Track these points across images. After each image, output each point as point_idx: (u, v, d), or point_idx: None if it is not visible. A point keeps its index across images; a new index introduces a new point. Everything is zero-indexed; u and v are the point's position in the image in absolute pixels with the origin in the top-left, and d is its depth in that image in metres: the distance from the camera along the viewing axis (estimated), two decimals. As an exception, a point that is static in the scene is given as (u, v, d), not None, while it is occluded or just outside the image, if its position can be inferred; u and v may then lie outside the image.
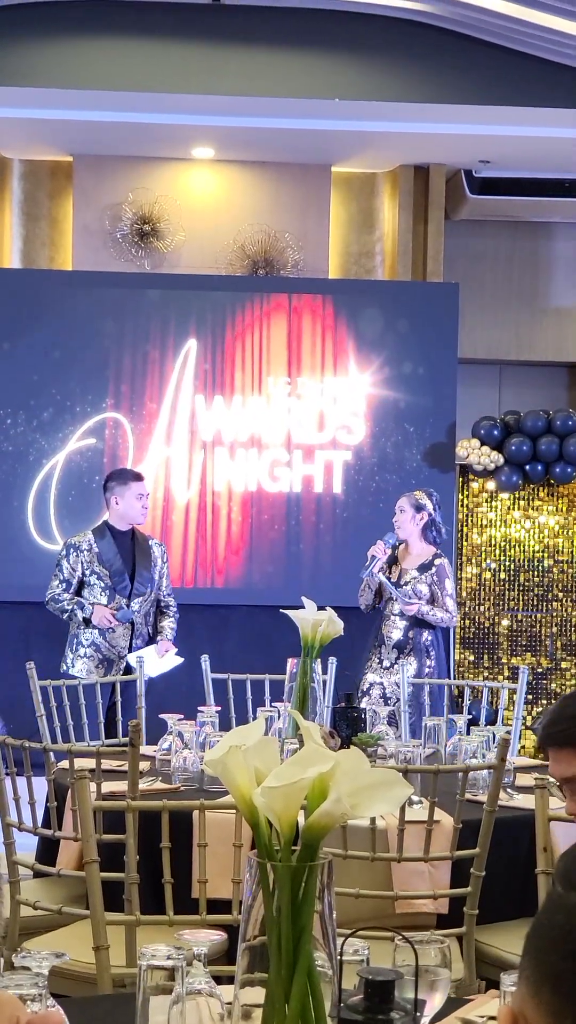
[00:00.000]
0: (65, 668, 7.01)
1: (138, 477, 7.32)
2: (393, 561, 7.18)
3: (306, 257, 10.14)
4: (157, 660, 7.00)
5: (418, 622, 7.04)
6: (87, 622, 6.98)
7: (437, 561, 7.11)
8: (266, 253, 10.10)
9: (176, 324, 9.55)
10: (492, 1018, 2.52)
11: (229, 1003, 2.22)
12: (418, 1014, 1.91)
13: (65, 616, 7.05)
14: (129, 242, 10.02)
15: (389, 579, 7.10)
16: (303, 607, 5.00)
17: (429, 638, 7.08)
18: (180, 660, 7.10)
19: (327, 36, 8.83)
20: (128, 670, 6.88)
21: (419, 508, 7.16)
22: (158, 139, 9.66)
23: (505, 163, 10.01)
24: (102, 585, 7.02)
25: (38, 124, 9.36)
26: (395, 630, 7.07)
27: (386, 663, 7.10)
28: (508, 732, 4.03)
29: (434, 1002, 2.36)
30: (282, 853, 2.04)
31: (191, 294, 9.58)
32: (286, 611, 5.05)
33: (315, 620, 4.93)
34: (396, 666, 6.96)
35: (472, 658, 9.62)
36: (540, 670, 9.46)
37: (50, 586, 7.07)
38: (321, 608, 5.00)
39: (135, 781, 3.85)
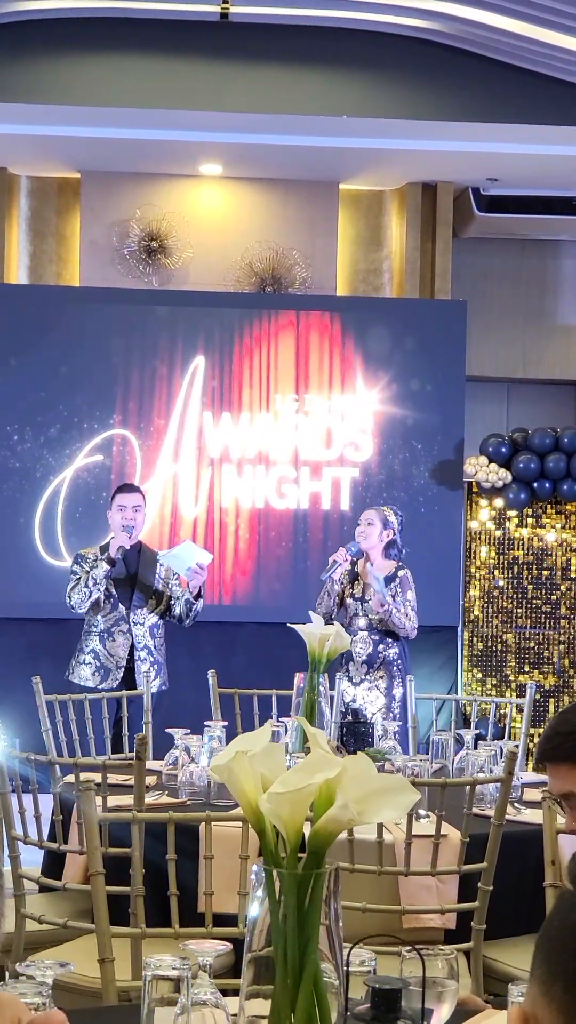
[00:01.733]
0: (67, 675, 7.06)
1: (125, 488, 7.38)
2: (354, 577, 7.18)
3: (314, 274, 10.15)
4: (189, 550, 7.07)
5: (383, 636, 7.05)
6: (110, 562, 6.96)
7: (401, 572, 7.13)
8: (274, 270, 10.11)
9: (184, 341, 9.55)
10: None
11: (235, 1015, 2.20)
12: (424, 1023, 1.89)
13: (93, 592, 6.98)
14: (137, 259, 10.03)
15: (353, 595, 7.10)
16: (310, 623, 4.99)
17: (396, 651, 7.09)
18: (208, 556, 7.16)
19: (335, 53, 8.85)
20: (128, 680, 6.91)
21: (386, 524, 7.18)
22: (166, 156, 9.67)
23: (513, 181, 10.01)
24: (105, 595, 7.05)
25: (46, 141, 9.38)
26: (361, 644, 7.06)
27: (356, 679, 7.09)
28: (516, 746, 4.00)
29: (441, 1013, 2.34)
30: (288, 860, 2.03)
31: (199, 311, 9.58)
32: (293, 626, 5.04)
33: (322, 635, 4.92)
34: (366, 681, 6.98)
35: (479, 675, 9.59)
36: (548, 687, 9.43)
37: (67, 595, 7.08)
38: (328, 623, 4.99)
39: (141, 794, 3.84)
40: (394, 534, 7.19)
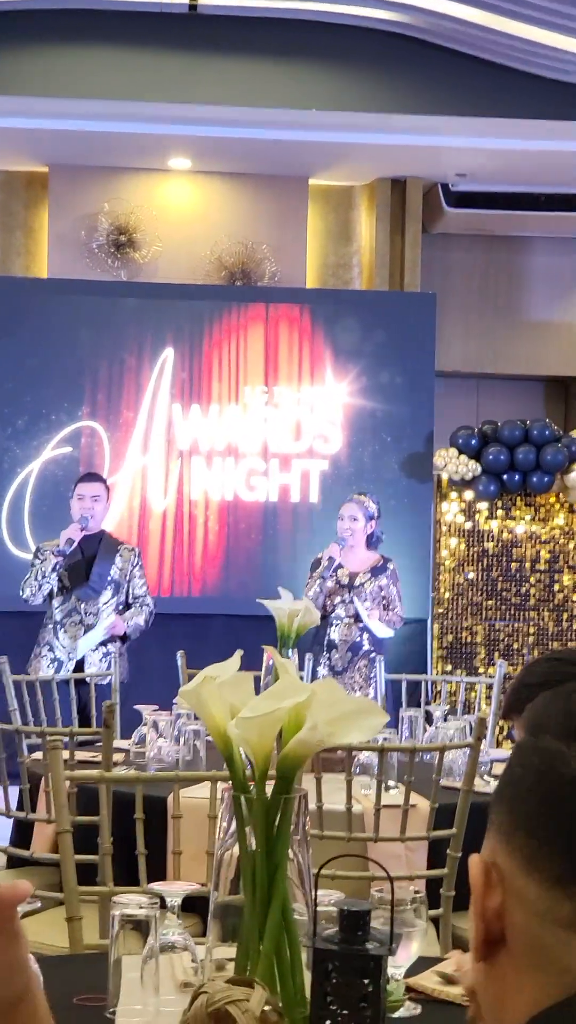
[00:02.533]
0: (27, 668, 6.99)
1: (86, 478, 7.31)
2: (338, 567, 7.16)
3: (283, 269, 10.15)
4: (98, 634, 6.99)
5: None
6: (59, 555, 6.89)
7: (390, 564, 7.13)
8: (243, 265, 10.11)
9: (153, 333, 9.52)
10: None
11: (203, 960, 2.18)
12: (393, 945, 1.88)
13: (43, 584, 6.92)
14: (105, 252, 10.02)
15: (339, 582, 7.09)
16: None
17: (378, 639, 7.11)
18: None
19: (304, 46, 8.85)
20: (80, 669, 6.86)
21: (369, 515, 7.16)
22: (134, 149, 9.66)
23: (481, 176, 10.03)
24: (59, 587, 6.98)
25: (13, 133, 9.35)
26: (344, 629, 7.05)
27: (339, 667, 7.07)
28: (485, 713, 4.00)
29: (410, 951, 2.33)
30: (256, 786, 2.01)
31: (168, 303, 9.56)
32: (262, 601, 5.03)
33: (291, 610, 4.92)
34: (351, 668, 6.97)
35: (449, 668, 9.59)
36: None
37: (22, 585, 7.02)
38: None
39: (109, 757, 3.81)
40: (375, 524, 7.19)
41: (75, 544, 6.92)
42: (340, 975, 1.88)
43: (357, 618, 7.05)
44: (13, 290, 9.60)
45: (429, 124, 9.05)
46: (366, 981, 1.86)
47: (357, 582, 7.06)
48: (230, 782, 2.09)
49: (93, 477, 7.36)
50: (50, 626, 7.03)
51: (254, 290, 9.88)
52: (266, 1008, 1.90)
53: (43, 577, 6.91)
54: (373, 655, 7.02)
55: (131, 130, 9.29)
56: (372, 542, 7.19)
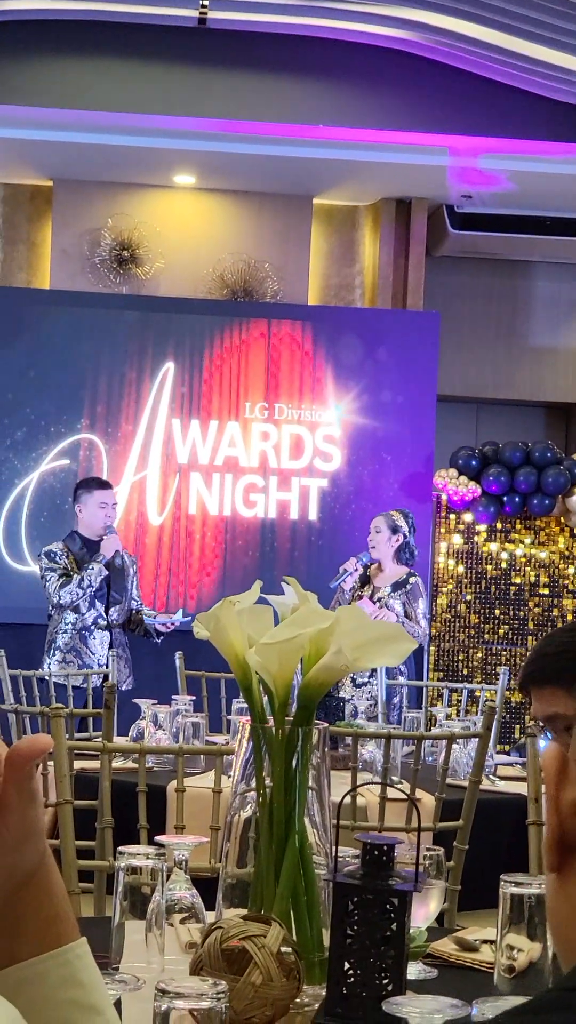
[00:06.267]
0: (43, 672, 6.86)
1: (103, 485, 7.22)
2: (365, 581, 7.12)
3: (285, 288, 10.10)
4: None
5: None
6: (108, 566, 6.85)
7: (412, 580, 7.07)
8: (245, 283, 10.06)
9: (154, 346, 9.47)
10: (486, 940, 2.40)
11: (211, 924, 2.08)
12: (418, 883, 1.79)
13: (85, 592, 6.81)
14: (108, 267, 9.97)
15: (361, 598, 7.03)
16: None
17: None
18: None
19: (312, 63, 8.82)
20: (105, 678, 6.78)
21: (395, 530, 7.13)
22: (139, 165, 9.63)
23: (487, 198, 10.00)
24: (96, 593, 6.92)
25: (19, 145, 9.31)
26: None
27: (359, 680, 6.99)
28: (493, 702, 3.92)
29: (428, 910, 2.24)
30: (276, 717, 1.93)
31: (169, 317, 9.51)
32: (266, 596, 4.93)
33: (295, 606, 4.81)
34: (370, 683, 6.86)
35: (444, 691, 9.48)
36: (514, 703, 9.33)
37: (51, 592, 6.85)
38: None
39: (110, 730, 3.73)
40: (404, 538, 7.14)
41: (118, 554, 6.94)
42: (362, 912, 1.79)
43: None
44: (14, 301, 9.55)
45: (436, 143, 9.02)
46: (391, 918, 1.77)
47: (376, 597, 6.99)
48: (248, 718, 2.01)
49: (109, 484, 7.29)
50: (70, 632, 6.87)
51: (256, 306, 9.83)
52: (283, 949, 1.81)
53: (89, 586, 6.81)
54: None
55: (137, 143, 9.25)
56: (402, 557, 7.13)
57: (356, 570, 7.05)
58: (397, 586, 7.03)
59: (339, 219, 10.37)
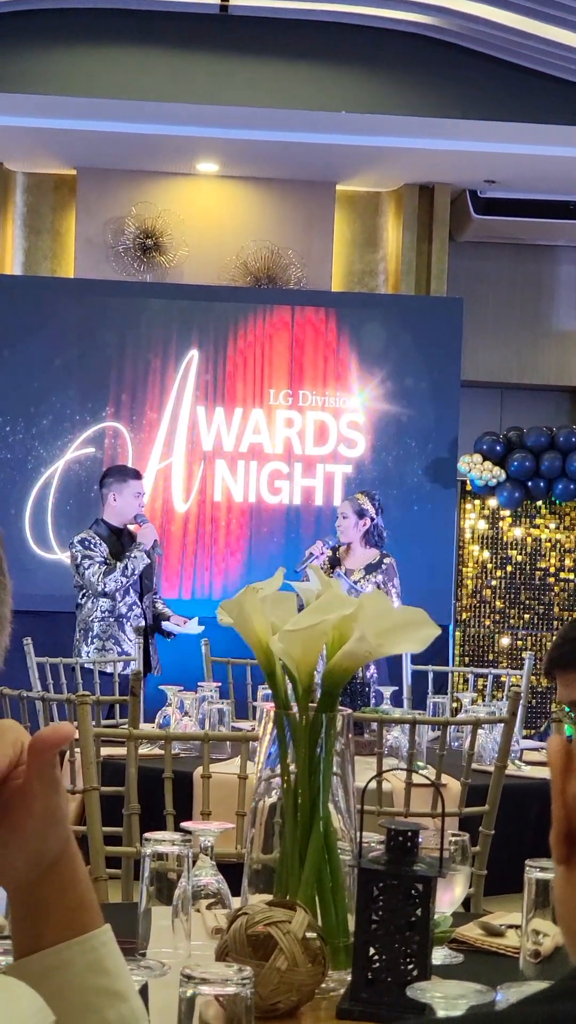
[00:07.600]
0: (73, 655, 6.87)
1: (137, 475, 7.28)
2: (336, 563, 7.08)
3: (309, 275, 10.10)
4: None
5: None
6: (148, 555, 6.94)
7: (386, 560, 7.05)
8: (269, 270, 10.06)
9: (178, 334, 9.48)
10: (511, 925, 2.41)
11: (236, 910, 2.09)
12: (443, 869, 1.80)
13: (129, 580, 6.87)
14: (131, 256, 9.98)
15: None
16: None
17: None
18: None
19: (334, 48, 8.81)
20: (148, 666, 6.87)
21: (361, 514, 7.08)
22: (162, 153, 9.62)
23: (511, 183, 9.97)
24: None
25: (42, 134, 9.31)
26: None
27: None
28: (519, 687, 3.92)
29: (453, 895, 2.25)
30: (300, 703, 1.94)
31: (194, 304, 9.52)
32: (292, 583, 4.94)
33: (319, 592, 4.82)
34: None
35: (470, 675, 9.48)
36: (540, 689, 9.32)
37: (95, 580, 6.87)
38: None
39: (136, 716, 3.75)
40: (371, 522, 7.08)
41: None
42: (387, 898, 1.79)
43: None
44: (39, 290, 9.57)
45: (459, 129, 9.00)
46: (416, 903, 1.78)
47: (352, 579, 6.97)
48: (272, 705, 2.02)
49: (139, 474, 7.35)
50: (110, 619, 6.91)
51: (280, 293, 9.83)
52: (308, 934, 1.82)
53: (133, 572, 6.87)
54: None
55: (160, 131, 9.24)
56: (371, 540, 7.10)
57: (323, 553, 7.05)
58: (371, 568, 7.02)
59: (362, 205, 10.36)
